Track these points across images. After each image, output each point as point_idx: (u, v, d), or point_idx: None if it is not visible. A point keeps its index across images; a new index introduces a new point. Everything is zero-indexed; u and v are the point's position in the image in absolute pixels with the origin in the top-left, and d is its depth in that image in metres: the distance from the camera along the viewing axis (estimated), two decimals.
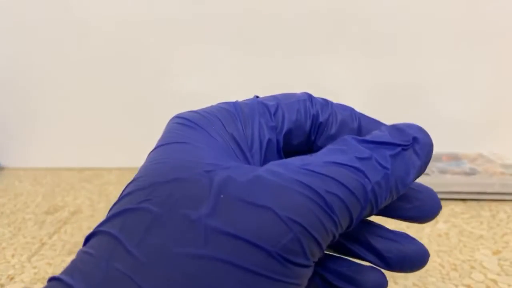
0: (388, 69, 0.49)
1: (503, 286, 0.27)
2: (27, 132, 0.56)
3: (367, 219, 0.17)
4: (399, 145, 0.16)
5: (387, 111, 0.50)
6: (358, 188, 0.14)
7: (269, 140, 0.17)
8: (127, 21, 0.50)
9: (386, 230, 0.18)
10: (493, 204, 0.40)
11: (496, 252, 0.31)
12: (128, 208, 0.14)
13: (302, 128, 0.18)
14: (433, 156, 0.53)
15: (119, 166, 0.56)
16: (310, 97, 0.19)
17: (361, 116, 0.19)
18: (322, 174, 0.14)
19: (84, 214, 0.42)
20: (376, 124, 0.19)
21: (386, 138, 0.16)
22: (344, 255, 0.18)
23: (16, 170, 0.57)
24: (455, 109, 0.50)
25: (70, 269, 0.13)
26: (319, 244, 0.14)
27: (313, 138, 0.18)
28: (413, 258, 0.17)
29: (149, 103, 0.53)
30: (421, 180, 0.46)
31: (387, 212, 0.17)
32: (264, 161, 0.17)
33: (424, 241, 0.33)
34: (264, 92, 0.53)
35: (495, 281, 0.28)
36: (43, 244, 0.36)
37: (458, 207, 0.40)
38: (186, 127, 0.17)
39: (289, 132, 0.18)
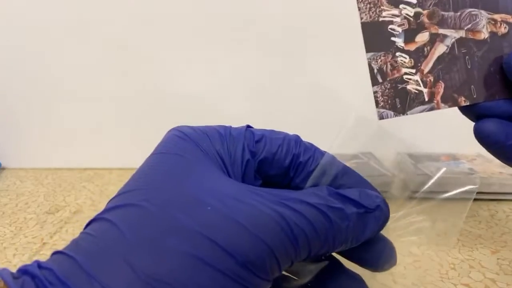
0: None
1: (501, 285, 0.27)
2: (28, 133, 0.56)
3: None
4: (365, 207, 0.18)
5: None
6: (321, 229, 0.17)
7: (248, 161, 0.20)
8: (128, 21, 0.51)
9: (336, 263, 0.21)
10: (492, 203, 0.40)
11: (494, 252, 0.32)
12: (129, 203, 0.16)
13: (280, 162, 0.21)
14: (432, 156, 0.52)
15: (120, 166, 0.56)
16: (298, 139, 0.22)
17: (341, 167, 0.21)
18: (295, 210, 0.17)
19: (85, 214, 0.42)
20: (352, 178, 0.21)
21: (356, 197, 0.18)
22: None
23: (17, 170, 0.57)
24: (454, 109, 0.50)
25: (72, 245, 0.16)
26: (279, 266, 0.16)
27: (291, 174, 0.21)
28: None
29: (149, 104, 0.54)
30: (420, 179, 0.45)
31: (349, 256, 0.20)
32: (243, 178, 0.20)
33: (422, 240, 0.33)
34: (264, 92, 0.53)
35: (493, 281, 0.28)
36: (44, 244, 0.36)
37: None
38: (181, 140, 0.19)
39: (265, 160, 0.20)
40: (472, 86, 0.21)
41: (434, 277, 0.28)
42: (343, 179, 0.20)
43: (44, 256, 0.34)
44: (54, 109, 0.55)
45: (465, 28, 0.21)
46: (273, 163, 0.21)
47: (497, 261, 0.30)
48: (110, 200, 0.17)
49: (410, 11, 0.21)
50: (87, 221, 0.17)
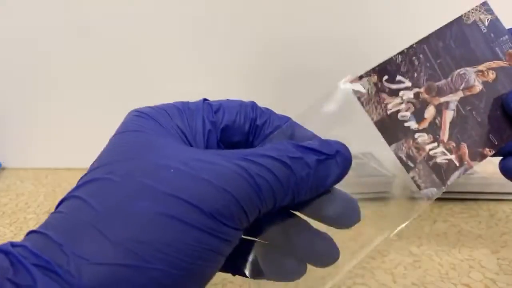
0: None
1: (501, 285, 0.27)
2: (28, 132, 0.56)
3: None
4: (325, 153, 0.19)
5: None
6: (284, 178, 0.18)
7: (209, 131, 0.21)
8: (128, 22, 0.51)
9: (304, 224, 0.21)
10: (492, 203, 0.41)
11: (494, 252, 0.32)
12: (94, 178, 0.17)
13: (240, 128, 0.21)
14: None
15: None
16: (254, 104, 0.22)
17: (296, 126, 0.22)
18: (256, 162, 0.17)
19: None
20: (309, 134, 0.22)
21: (316, 146, 0.19)
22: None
23: (17, 170, 0.57)
24: None
25: (44, 224, 0.16)
26: (246, 215, 0.17)
27: (251, 139, 0.22)
28: (320, 254, 0.20)
29: (149, 104, 0.53)
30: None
31: (312, 213, 0.21)
32: (207, 148, 0.21)
33: (423, 240, 0.34)
34: (263, 92, 0.53)
35: (493, 280, 0.28)
36: None
37: (456, 206, 0.40)
38: (140, 118, 0.20)
39: (227, 128, 0.21)
40: (490, 135, 0.22)
41: (434, 277, 0.29)
42: (300, 136, 0.21)
43: None
44: (54, 109, 0.55)
45: (461, 88, 0.23)
46: (234, 130, 0.21)
47: (497, 261, 0.30)
48: (79, 179, 0.18)
49: (410, 94, 0.22)
50: None
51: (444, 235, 0.35)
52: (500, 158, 0.25)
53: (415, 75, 0.22)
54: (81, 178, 0.18)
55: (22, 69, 0.54)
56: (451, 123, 0.22)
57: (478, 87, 0.22)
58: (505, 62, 0.23)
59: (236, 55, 0.51)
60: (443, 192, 0.42)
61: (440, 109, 0.22)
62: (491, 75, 0.23)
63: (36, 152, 0.57)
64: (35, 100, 0.55)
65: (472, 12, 0.23)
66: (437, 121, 0.22)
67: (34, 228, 0.16)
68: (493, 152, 0.23)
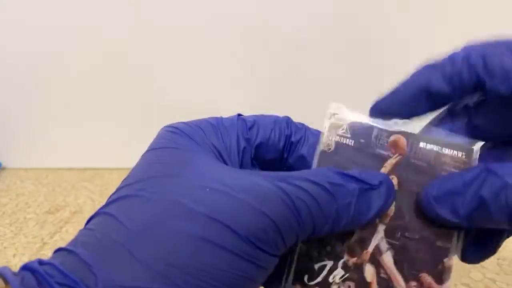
0: (387, 70, 0.49)
1: (501, 285, 0.27)
2: (29, 132, 0.56)
3: None
4: (368, 183, 0.18)
5: None
6: (324, 204, 0.17)
7: (244, 149, 0.20)
8: (128, 22, 0.51)
9: None
10: None
11: None
12: (126, 195, 0.16)
13: (275, 145, 0.21)
14: None
15: (120, 166, 0.56)
16: (288, 120, 0.22)
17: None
18: (296, 185, 0.16)
19: (85, 214, 0.42)
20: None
21: (357, 175, 0.18)
22: None
23: (18, 170, 0.57)
24: None
25: (73, 241, 0.16)
26: (283, 240, 0.16)
27: (285, 155, 0.21)
28: None
29: (149, 104, 0.54)
30: None
31: None
32: (241, 166, 0.20)
33: None
34: (265, 91, 0.53)
35: (493, 280, 0.28)
36: (44, 243, 0.36)
37: None
38: (174, 134, 0.19)
39: (261, 145, 0.20)
40: (436, 243, 0.19)
41: None
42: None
43: (44, 256, 0.34)
44: (54, 109, 0.55)
45: (378, 222, 0.19)
46: (268, 147, 0.21)
47: (497, 261, 0.30)
48: (110, 196, 0.18)
49: (338, 273, 0.19)
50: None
51: None
52: None
53: (329, 249, 0.19)
54: (113, 193, 0.17)
55: (23, 69, 0.54)
56: (396, 264, 0.19)
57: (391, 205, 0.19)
58: (395, 156, 0.19)
59: (240, 55, 0.51)
60: None
61: (376, 261, 0.19)
62: (394, 181, 0.19)
63: (36, 152, 0.57)
64: (35, 100, 0.55)
65: (328, 137, 0.20)
66: (382, 275, 0.19)
67: (62, 246, 0.16)
68: (454, 258, 0.19)
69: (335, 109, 0.20)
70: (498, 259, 0.30)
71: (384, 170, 0.19)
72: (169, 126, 0.20)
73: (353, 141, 0.20)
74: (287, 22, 0.49)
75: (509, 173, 0.16)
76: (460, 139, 0.19)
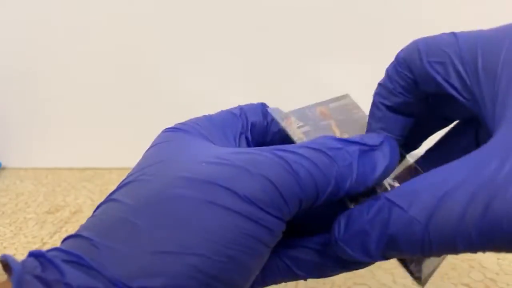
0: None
1: (502, 285, 0.27)
2: (28, 132, 0.56)
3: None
4: (368, 145, 0.18)
5: None
6: (323, 165, 0.17)
7: (240, 136, 0.21)
8: (128, 21, 0.51)
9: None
10: None
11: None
12: (126, 182, 0.17)
13: (262, 126, 0.22)
14: None
15: (119, 166, 0.56)
16: (263, 104, 0.23)
17: None
18: (293, 151, 0.17)
19: (85, 213, 0.42)
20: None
21: (358, 139, 0.18)
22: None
23: (17, 169, 0.57)
24: None
25: (79, 228, 0.16)
26: (286, 203, 0.16)
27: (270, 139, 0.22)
28: None
29: (149, 103, 0.54)
30: None
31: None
32: None
33: None
34: (265, 91, 0.53)
35: (494, 280, 0.28)
36: (44, 243, 0.36)
37: None
38: (171, 133, 0.20)
39: (253, 127, 0.22)
40: None
41: (434, 277, 0.28)
42: None
43: None
44: (54, 109, 0.55)
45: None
46: (259, 129, 0.22)
47: (498, 261, 0.30)
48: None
49: None
50: None
51: None
52: None
53: None
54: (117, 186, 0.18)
55: (22, 69, 0.54)
56: None
57: None
58: (330, 121, 0.22)
59: (237, 55, 0.51)
60: None
61: None
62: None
63: (36, 152, 0.57)
64: (35, 100, 0.55)
65: (294, 133, 0.21)
66: None
67: (69, 234, 0.16)
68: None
69: (279, 112, 0.22)
70: (498, 259, 0.30)
71: (335, 132, 0.22)
72: (166, 128, 0.21)
73: (307, 125, 0.22)
74: (287, 21, 0.49)
75: (411, 201, 0.15)
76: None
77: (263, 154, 0.16)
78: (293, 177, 0.16)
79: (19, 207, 0.44)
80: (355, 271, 0.28)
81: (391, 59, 0.21)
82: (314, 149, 0.17)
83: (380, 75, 0.22)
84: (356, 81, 0.50)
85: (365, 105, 0.23)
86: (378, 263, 0.30)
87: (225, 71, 0.52)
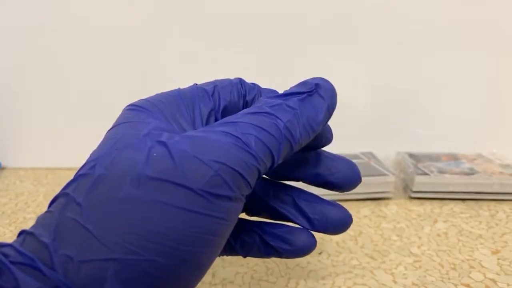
0: (387, 70, 0.49)
1: (502, 286, 0.27)
2: (28, 132, 0.56)
3: (297, 187, 0.22)
4: (304, 92, 0.19)
5: (386, 111, 0.50)
6: (271, 126, 0.17)
7: (208, 118, 0.20)
8: (128, 21, 0.51)
9: (313, 196, 0.21)
10: (492, 203, 0.40)
11: (495, 252, 0.31)
12: (80, 174, 0.16)
13: (236, 106, 0.21)
14: (432, 156, 0.52)
15: None
16: (241, 81, 0.22)
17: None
18: (238, 122, 0.17)
19: None
20: None
21: (293, 90, 0.19)
22: (279, 219, 0.22)
23: (17, 169, 0.57)
24: (454, 110, 0.50)
25: (34, 224, 0.16)
26: (243, 177, 0.16)
27: None
28: (335, 221, 0.20)
29: None
30: (420, 179, 0.45)
31: (309, 179, 0.21)
32: None
33: (423, 240, 0.33)
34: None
35: (494, 281, 0.28)
36: None
37: (457, 206, 0.40)
38: (133, 111, 0.20)
39: (225, 110, 0.21)
40: None
41: (434, 277, 0.28)
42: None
43: None
44: (54, 109, 0.55)
45: None
46: (230, 109, 0.21)
47: (498, 262, 0.30)
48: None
49: None
50: None
51: (444, 235, 0.34)
52: None
53: None
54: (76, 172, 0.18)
55: (22, 69, 0.54)
56: None
57: None
58: None
59: (237, 55, 0.51)
60: (444, 192, 0.42)
61: None
62: None
63: (36, 152, 0.57)
64: (35, 100, 0.55)
65: None
66: None
67: (25, 228, 0.16)
68: None
69: None
70: (498, 259, 0.30)
71: None
72: (129, 104, 0.21)
73: None
74: (287, 22, 0.49)
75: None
76: None
77: (210, 136, 0.16)
78: (246, 150, 0.16)
79: (19, 207, 0.44)
80: (355, 272, 0.28)
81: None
82: (257, 113, 0.17)
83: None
84: (355, 83, 0.50)
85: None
86: (378, 264, 0.30)
87: (225, 71, 0.52)
